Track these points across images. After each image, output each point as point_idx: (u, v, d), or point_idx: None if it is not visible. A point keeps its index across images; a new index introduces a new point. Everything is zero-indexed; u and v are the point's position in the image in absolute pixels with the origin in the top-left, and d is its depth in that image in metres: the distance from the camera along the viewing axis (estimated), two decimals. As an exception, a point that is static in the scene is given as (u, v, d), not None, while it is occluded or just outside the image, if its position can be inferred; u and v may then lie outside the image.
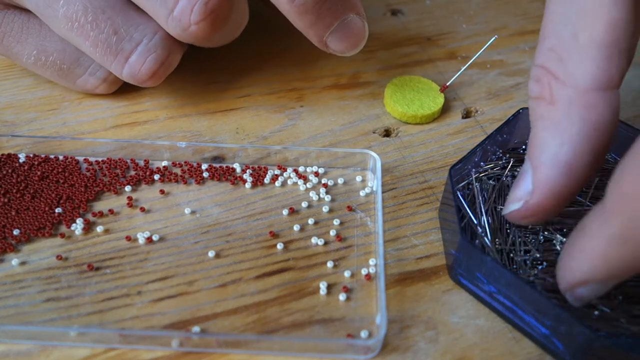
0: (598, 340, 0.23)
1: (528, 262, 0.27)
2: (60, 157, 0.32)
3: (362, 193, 0.31)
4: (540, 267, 0.26)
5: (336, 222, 0.30)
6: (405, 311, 0.27)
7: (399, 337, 0.26)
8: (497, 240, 0.27)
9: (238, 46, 0.40)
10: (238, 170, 0.32)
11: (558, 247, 0.27)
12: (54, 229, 0.29)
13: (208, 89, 0.37)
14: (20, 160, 0.31)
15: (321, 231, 0.29)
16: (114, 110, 0.35)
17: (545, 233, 0.28)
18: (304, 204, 0.31)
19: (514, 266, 0.27)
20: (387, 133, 0.35)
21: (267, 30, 0.42)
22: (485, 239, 0.27)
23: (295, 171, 0.32)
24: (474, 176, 0.30)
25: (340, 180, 0.32)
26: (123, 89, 0.36)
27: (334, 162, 0.32)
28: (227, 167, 0.32)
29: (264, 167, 0.32)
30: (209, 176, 0.32)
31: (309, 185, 0.31)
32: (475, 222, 0.28)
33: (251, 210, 0.30)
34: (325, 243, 0.29)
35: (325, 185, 0.31)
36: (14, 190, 0.30)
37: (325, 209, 0.30)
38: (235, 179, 0.31)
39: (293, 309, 0.26)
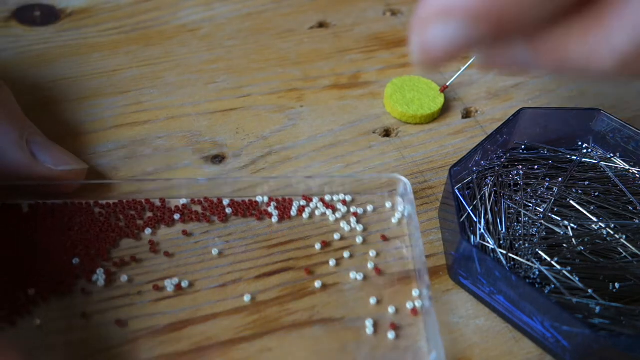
0: (598, 340, 0.23)
1: (531, 258, 0.27)
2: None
3: (393, 220, 0.30)
4: (537, 266, 0.26)
5: (372, 253, 0.28)
6: (405, 311, 0.27)
7: (399, 336, 0.26)
8: (497, 240, 0.27)
9: (238, 46, 0.40)
10: (262, 202, 0.30)
11: (561, 232, 0.27)
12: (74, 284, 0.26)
13: (208, 89, 0.37)
14: (24, 211, 0.29)
15: (357, 263, 0.28)
16: (114, 110, 0.35)
17: (549, 224, 0.28)
18: (336, 236, 0.29)
19: (512, 263, 0.27)
20: (387, 133, 0.35)
21: (267, 30, 0.42)
22: (486, 238, 0.27)
23: (322, 200, 0.30)
24: (474, 176, 0.30)
25: (369, 208, 0.30)
26: (123, 89, 0.36)
27: (359, 187, 0.31)
28: (249, 200, 0.30)
29: (289, 199, 0.30)
30: (232, 212, 0.29)
31: (338, 215, 0.30)
32: (476, 220, 0.28)
33: (281, 246, 0.29)
34: (365, 278, 0.27)
35: (355, 214, 0.30)
36: (21, 243, 0.27)
37: (358, 239, 0.29)
38: (260, 214, 0.29)
39: (293, 309, 0.26)
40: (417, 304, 0.26)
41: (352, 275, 0.27)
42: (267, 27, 0.42)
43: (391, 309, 0.26)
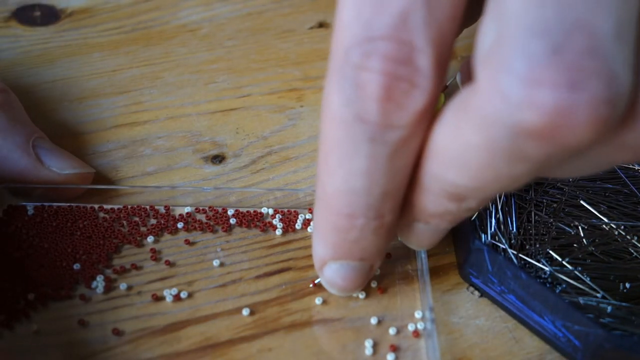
0: (610, 340, 0.22)
1: (541, 258, 0.27)
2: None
3: (399, 237, 0.28)
4: (548, 269, 0.26)
5: (376, 271, 0.27)
6: (405, 310, 0.26)
7: (398, 336, 0.25)
8: (508, 239, 0.27)
9: (238, 46, 0.40)
10: (267, 214, 0.29)
11: (574, 231, 0.27)
12: (73, 289, 0.26)
13: (208, 89, 0.37)
14: (29, 213, 0.28)
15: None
16: (114, 110, 0.35)
17: (560, 224, 0.28)
18: None
19: (523, 262, 0.27)
20: (388, 132, 0.35)
21: (267, 30, 0.41)
22: (497, 237, 0.27)
23: None
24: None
25: None
26: (123, 89, 0.36)
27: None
28: (254, 211, 0.29)
29: (294, 211, 0.29)
30: (237, 222, 0.29)
31: None
32: (487, 219, 0.28)
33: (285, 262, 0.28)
34: (367, 296, 0.27)
35: None
36: (25, 247, 0.27)
37: None
38: (264, 225, 0.29)
39: (293, 309, 0.26)
40: (420, 326, 0.26)
41: (354, 294, 0.27)
42: (267, 27, 0.42)
43: (392, 330, 0.25)
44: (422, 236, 0.23)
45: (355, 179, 0.20)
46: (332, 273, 0.24)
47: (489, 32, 0.16)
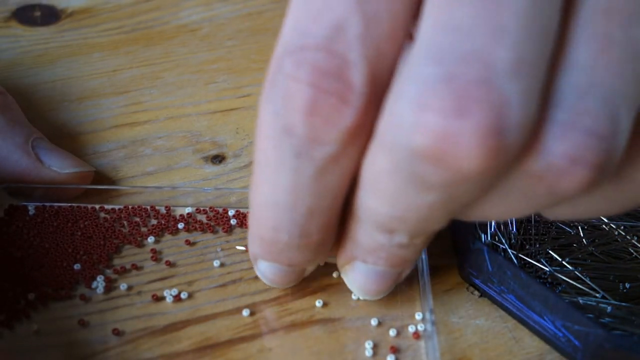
0: (610, 340, 0.22)
1: (541, 258, 0.27)
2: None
3: None
4: (548, 269, 0.26)
5: None
6: (405, 311, 0.26)
7: (398, 336, 0.25)
8: (508, 239, 0.27)
9: (238, 46, 0.40)
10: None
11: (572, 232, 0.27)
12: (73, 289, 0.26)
13: (208, 89, 0.37)
14: (30, 213, 0.28)
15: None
16: (114, 110, 0.35)
17: (560, 224, 0.28)
18: None
19: (522, 263, 0.27)
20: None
21: (267, 30, 0.41)
22: (497, 238, 0.27)
23: None
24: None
25: None
26: (123, 89, 0.36)
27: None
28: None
29: None
30: (237, 223, 0.29)
31: None
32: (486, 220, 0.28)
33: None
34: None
35: None
36: (26, 247, 0.27)
37: None
38: None
39: (293, 309, 0.26)
40: (420, 327, 0.25)
41: (354, 296, 0.26)
42: (267, 27, 0.42)
43: (392, 332, 0.25)
44: (363, 278, 0.23)
45: (279, 193, 0.19)
46: (264, 269, 0.24)
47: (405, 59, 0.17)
